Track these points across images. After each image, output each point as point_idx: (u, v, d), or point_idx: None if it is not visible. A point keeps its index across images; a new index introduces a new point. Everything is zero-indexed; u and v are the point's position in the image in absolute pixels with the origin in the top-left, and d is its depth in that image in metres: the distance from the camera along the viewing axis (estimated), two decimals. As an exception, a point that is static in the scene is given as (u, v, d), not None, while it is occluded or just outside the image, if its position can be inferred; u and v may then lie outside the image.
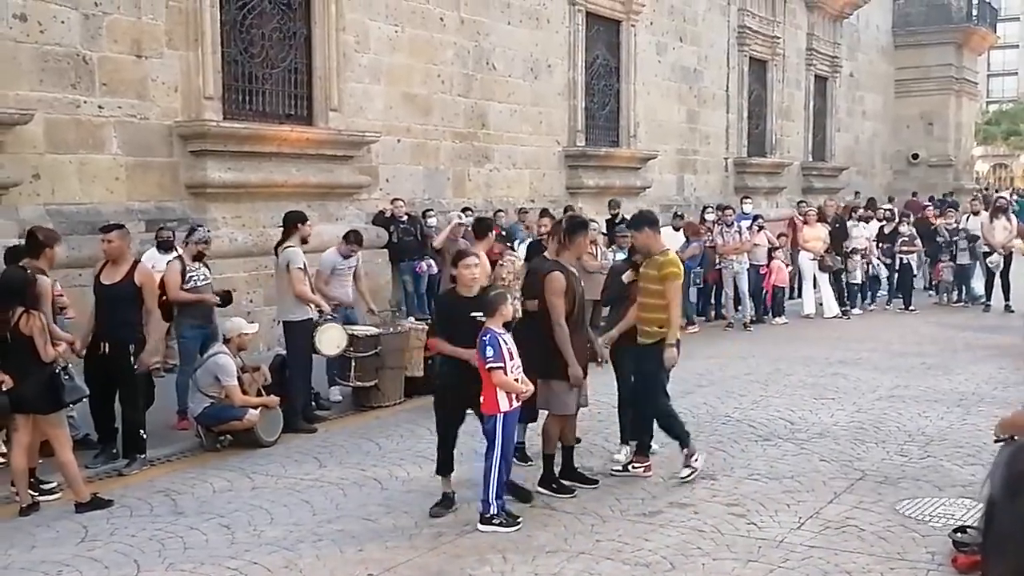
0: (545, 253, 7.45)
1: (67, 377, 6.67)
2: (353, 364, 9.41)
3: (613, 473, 7.23)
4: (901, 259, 16.96)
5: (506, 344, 6.18)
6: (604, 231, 13.28)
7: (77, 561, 5.68)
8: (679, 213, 16.12)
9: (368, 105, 13.38)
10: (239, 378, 8.25)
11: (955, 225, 17.26)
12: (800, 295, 16.63)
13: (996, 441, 4.80)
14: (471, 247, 9.32)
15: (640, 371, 7.29)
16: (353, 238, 9.97)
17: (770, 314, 15.52)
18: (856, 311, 16.37)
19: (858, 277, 16.54)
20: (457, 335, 6.36)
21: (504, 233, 11.77)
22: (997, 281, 16.15)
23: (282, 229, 9.27)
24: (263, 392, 8.54)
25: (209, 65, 11.02)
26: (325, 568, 5.54)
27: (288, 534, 6.06)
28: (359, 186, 13.23)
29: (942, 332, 14.19)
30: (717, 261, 14.95)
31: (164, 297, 8.17)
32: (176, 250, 9.36)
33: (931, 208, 19.77)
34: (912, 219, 18.16)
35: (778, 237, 16.00)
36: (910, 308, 16.58)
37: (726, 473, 7.24)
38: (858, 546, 5.75)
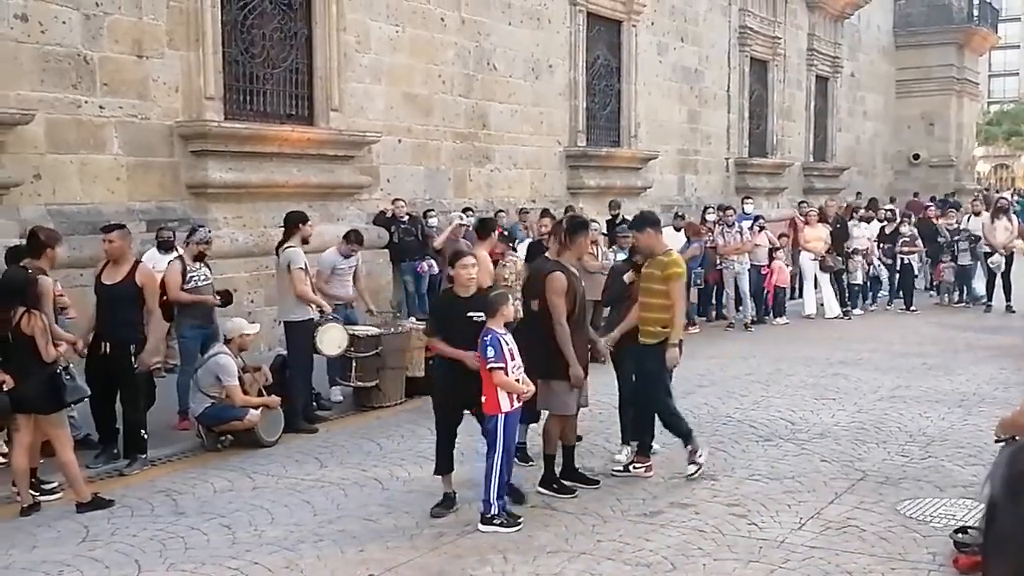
0: (547, 253, 7.45)
1: (68, 377, 6.67)
2: (354, 364, 9.41)
3: (614, 473, 7.23)
4: (902, 259, 16.96)
5: (507, 344, 6.18)
6: (604, 231, 13.27)
7: (78, 561, 5.68)
8: (680, 213, 16.13)
9: (369, 105, 13.38)
10: (240, 378, 8.26)
11: (956, 225, 17.26)
12: (801, 295, 16.63)
13: (997, 441, 4.80)
14: (474, 247, 9.34)
15: (643, 371, 7.28)
16: (354, 238, 9.97)
17: (771, 314, 15.52)
18: (857, 311, 16.36)
19: (859, 277, 16.53)
20: (454, 335, 6.35)
21: (506, 233, 11.78)
22: (998, 281, 16.15)
23: (283, 229, 9.27)
24: (264, 392, 8.54)
25: (210, 65, 11.02)
26: (326, 568, 5.54)
27: (289, 534, 6.06)
28: (360, 186, 13.24)
29: (943, 333, 14.19)
30: (718, 261, 14.95)
31: (164, 297, 8.17)
32: (176, 250, 9.36)
33: (933, 208, 19.75)
34: (914, 219, 18.16)
35: (779, 237, 16.00)
36: (911, 308, 16.57)
37: (727, 473, 7.24)
38: (859, 546, 5.75)
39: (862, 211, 18.43)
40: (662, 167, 20.17)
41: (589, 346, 7.31)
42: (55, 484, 6.93)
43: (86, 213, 10.00)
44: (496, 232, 9.74)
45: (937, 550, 5.64)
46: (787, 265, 15.99)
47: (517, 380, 6.22)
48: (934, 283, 18.02)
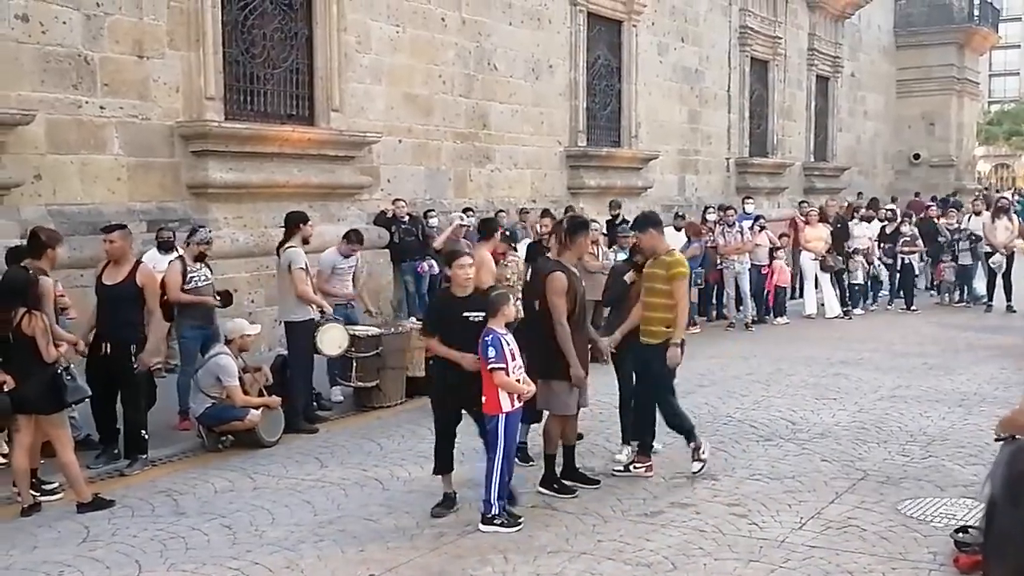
0: (549, 254, 7.46)
1: (69, 377, 6.67)
2: (354, 364, 9.41)
3: (615, 473, 7.23)
4: (903, 259, 16.96)
5: (508, 345, 6.18)
6: (604, 231, 13.27)
7: (79, 561, 5.68)
8: (680, 213, 16.13)
9: (369, 105, 13.38)
10: (240, 378, 8.26)
11: (956, 225, 17.25)
12: (801, 295, 16.63)
13: (997, 439, 4.81)
14: (476, 247, 9.34)
15: (648, 371, 7.27)
16: (354, 237, 9.97)
17: (771, 314, 15.52)
18: (858, 311, 16.36)
19: (860, 277, 16.53)
20: (450, 335, 6.34)
21: (508, 234, 11.79)
22: (999, 281, 16.15)
23: (284, 229, 9.27)
24: (265, 392, 8.54)
25: (211, 65, 11.03)
26: (326, 568, 5.54)
27: (290, 534, 6.06)
28: (360, 186, 13.24)
29: (944, 332, 14.19)
30: (718, 261, 14.95)
31: (164, 297, 8.17)
32: (176, 250, 9.37)
33: (934, 208, 19.74)
34: (915, 219, 18.16)
35: (780, 237, 16.00)
36: (912, 308, 16.57)
37: (727, 473, 7.24)
38: (860, 546, 5.75)
39: (863, 211, 18.43)
40: (663, 167, 20.17)
41: (590, 346, 7.31)
42: (56, 484, 6.94)
43: (87, 213, 10.00)
44: (499, 232, 9.74)
45: (938, 550, 5.64)
46: (787, 265, 15.99)
47: (518, 380, 6.22)
48: (935, 283, 18.02)
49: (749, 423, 8.80)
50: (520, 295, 7.60)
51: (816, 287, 16.31)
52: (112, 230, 7.68)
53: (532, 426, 7.28)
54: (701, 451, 7.20)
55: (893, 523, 6.12)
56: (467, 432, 6.68)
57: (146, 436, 7.63)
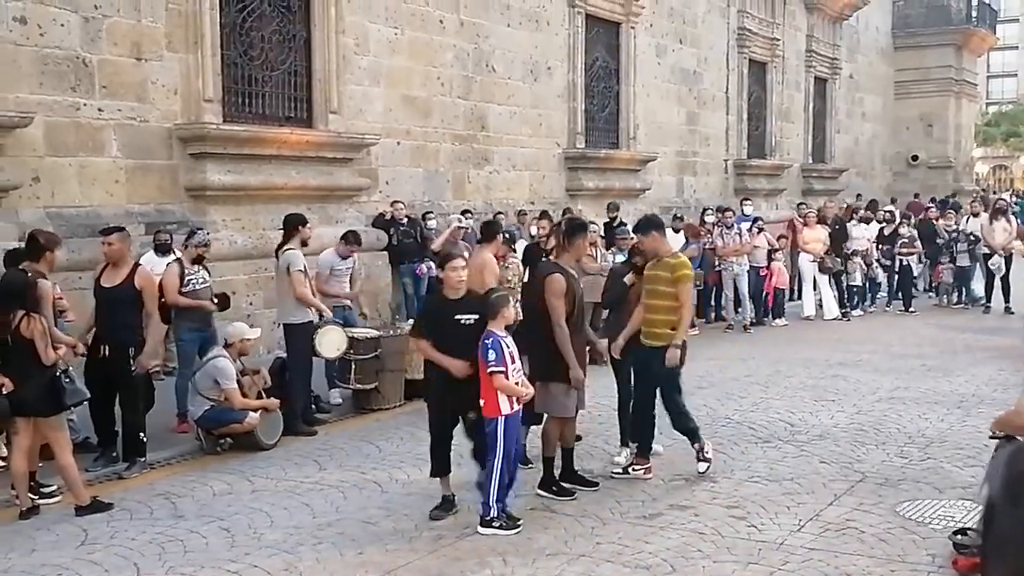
0: (551, 256, 7.46)
1: (68, 380, 6.67)
2: (353, 367, 9.41)
3: (613, 475, 7.23)
4: (901, 261, 16.96)
5: (508, 348, 6.17)
6: (602, 234, 13.27)
7: (77, 564, 5.68)
8: (679, 215, 16.13)
9: (368, 107, 13.39)
10: (239, 381, 8.25)
11: (954, 226, 17.26)
12: (800, 297, 16.63)
13: (992, 438, 4.83)
14: (480, 249, 9.34)
15: (650, 373, 7.27)
16: (352, 238, 9.97)
17: (770, 316, 15.52)
18: (856, 313, 16.37)
19: (858, 279, 16.54)
20: (442, 338, 6.33)
21: (508, 235, 11.80)
22: (997, 283, 16.16)
23: (282, 232, 9.26)
24: (263, 395, 8.54)
25: (209, 68, 11.03)
26: (325, 571, 5.53)
27: (288, 537, 6.06)
28: (359, 188, 13.24)
29: (942, 334, 14.20)
30: (717, 263, 14.95)
31: (162, 300, 8.16)
32: (174, 253, 9.37)
33: (933, 209, 19.76)
34: (914, 221, 18.16)
35: (778, 239, 16.00)
36: (910, 310, 16.58)
37: (726, 475, 7.24)
38: (858, 548, 5.75)
39: (861, 212, 18.44)
40: (661, 169, 20.17)
41: (588, 348, 7.31)
42: (54, 487, 6.93)
43: (85, 216, 10.00)
44: (501, 235, 9.75)
45: (936, 552, 5.64)
46: (786, 267, 15.99)
47: (517, 383, 6.21)
48: (933, 284, 18.03)
49: (748, 425, 8.80)
50: (520, 297, 7.60)
51: (814, 289, 16.32)
52: (110, 232, 7.67)
53: (531, 428, 7.28)
54: (705, 451, 7.23)
55: (892, 525, 6.12)
56: (466, 434, 6.67)
57: (144, 439, 7.63)
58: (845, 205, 21.22)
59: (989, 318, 15.84)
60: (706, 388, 10.33)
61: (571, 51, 17.33)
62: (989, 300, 16.41)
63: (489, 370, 6.08)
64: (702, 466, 7.20)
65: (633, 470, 7.23)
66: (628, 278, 7.72)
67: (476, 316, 6.29)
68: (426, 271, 13.07)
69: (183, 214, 10.96)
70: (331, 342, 9.07)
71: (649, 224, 7.39)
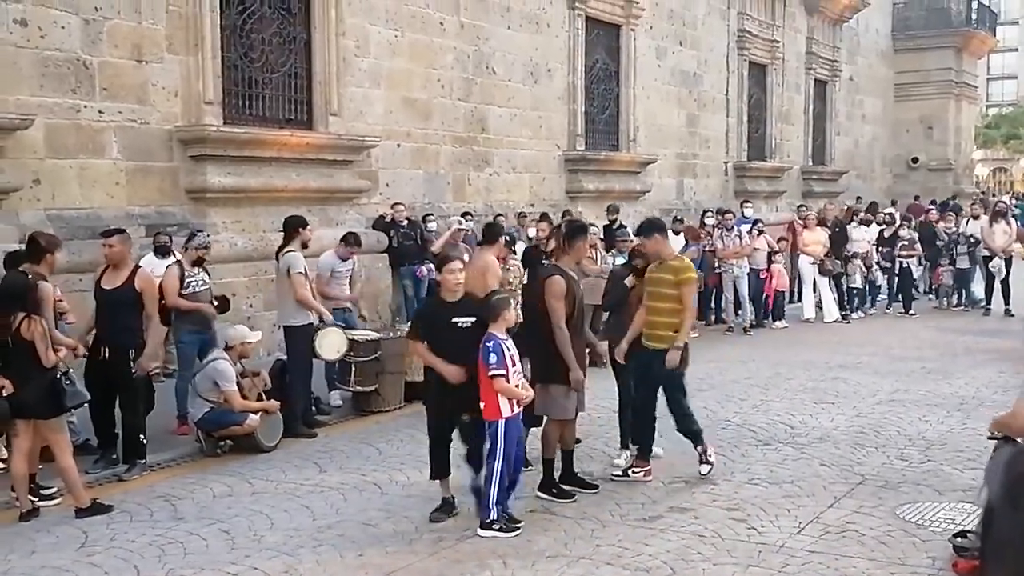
0: (552, 258, 7.46)
1: (68, 382, 6.68)
2: (353, 369, 9.41)
3: (613, 478, 7.23)
4: (901, 263, 16.96)
5: (508, 351, 6.17)
6: (602, 236, 13.27)
7: (77, 567, 5.68)
8: (679, 217, 16.13)
9: (368, 109, 13.39)
10: (239, 383, 8.25)
11: (954, 229, 17.26)
12: (800, 299, 16.63)
13: (990, 438, 4.84)
14: (482, 251, 9.34)
15: (650, 375, 7.27)
16: (352, 240, 9.97)
17: (770, 318, 15.52)
18: (856, 315, 16.37)
19: (858, 281, 16.54)
20: (439, 341, 6.32)
21: (508, 238, 11.80)
22: (997, 285, 16.16)
23: (283, 234, 9.27)
24: (263, 397, 8.54)
25: (209, 70, 11.03)
26: (325, 573, 5.53)
27: (288, 539, 6.06)
28: (359, 190, 13.24)
29: (942, 336, 14.20)
30: (717, 265, 14.95)
31: (162, 302, 8.16)
32: (174, 255, 9.37)
33: (933, 211, 19.77)
34: (914, 223, 18.16)
35: (778, 241, 16.00)
36: (910, 312, 16.58)
37: (726, 477, 7.24)
38: (858, 551, 5.75)
39: (862, 214, 18.43)
40: (661, 171, 20.18)
41: (588, 350, 7.31)
42: (54, 489, 6.93)
43: (85, 218, 10.00)
44: (503, 237, 9.75)
45: (936, 554, 5.64)
46: (786, 269, 15.99)
47: (517, 386, 6.22)
48: (933, 287, 18.03)
49: (748, 427, 8.80)
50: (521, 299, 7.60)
51: (814, 291, 16.32)
52: (111, 234, 7.67)
53: (531, 430, 7.27)
54: (708, 455, 7.24)
55: (892, 528, 6.12)
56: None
57: (144, 441, 7.63)
58: (845, 207, 21.22)
59: (989, 320, 15.84)
60: (706, 390, 10.32)
61: (571, 53, 17.34)
62: (989, 302, 16.42)
63: (490, 373, 6.08)
64: (704, 468, 7.22)
65: (633, 472, 7.23)
66: (629, 280, 7.73)
67: (473, 319, 6.29)
68: (426, 273, 13.07)
69: (183, 216, 10.96)
70: (331, 344, 9.07)
71: (651, 227, 7.39)
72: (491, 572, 5.52)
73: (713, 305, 15.58)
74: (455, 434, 6.50)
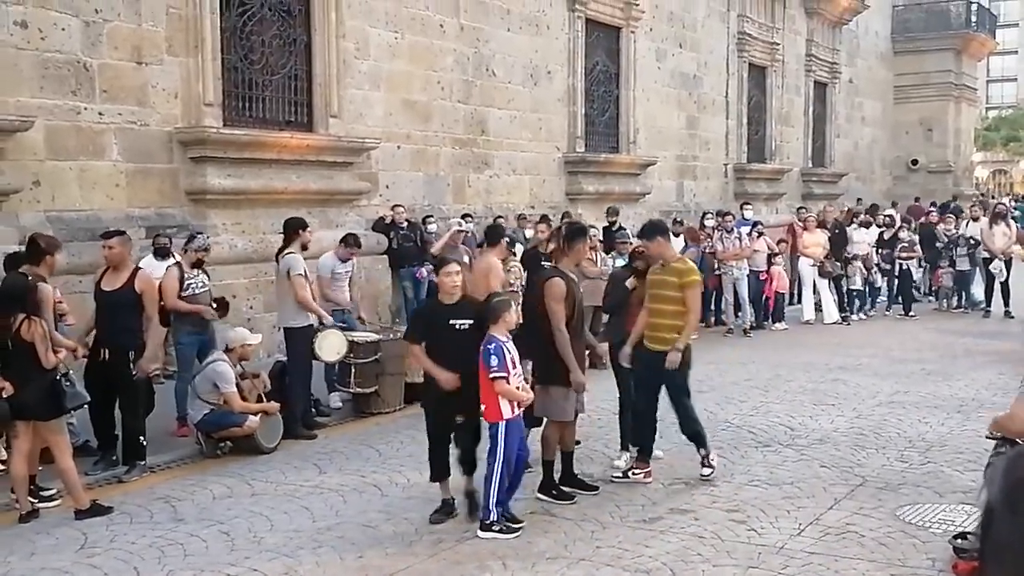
0: (552, 260, 7.47)
1: (68, 383, 6.68)
2: (353, 370, 9.41)
3: (613, 479, 7.23)
4: (901, 265, 16.96)
5: (509, 353, 6.18)
6: (601, 238, 13.27)
7: (77, 568, 5.68)
8: (679, 219, 16.13)
9: (368, 112, 13.40)
10: (238, 385, 8.25)
11: (954, 231, 17.26)
12: (800, 301, 16.63)
13: (988, 438, 4.85)
14: (485, 253, 9.35)
15: (653, 377, 7.27)
16: (351, 241, 9.98)
17: (770, 320, 15.52)
18: (856, 317, 16.37)
19: (858, 283, 16.54)
20: (437, 342, 6.33)
21: (509, 239, 11.80)
22: (997, 287, 16.16)
23: (283, 236, 9.27)
24: (263, 398, 8.54)
25: (209, 72, 11.04)
26: (325, 574, 5.53)
27: (288, 541, 6.06)
28: (359, 192, 13.25)
29: (942, 338, 14.20)
30: (717, 267, 14.95)
31: (161, 303, 8.16)
32: (173, 256, 9.37)
33: (934, 213, 19.78)
34: (914, 225, 18.15)
35: (778, 243, 16.01)
36: (910, 314, 16.58)
37: (726, 479, 7.24)
38: (858, 552, 5.75)
39: (862, 216, 18.44)
40: (661, 173, 20.19)
41: (588, 352, 7.31)
42: (54, 491, 6.92)
43: (85, 220, 10.00)
44: (505, 238, 9.76)
45: (936, 556, 5.64)
46: (786, 271, 15.99)
47: (517, 388, 6.22)
48: (933, 289, 18.03)
49: (748, 429, 8.80)
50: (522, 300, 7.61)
51: (814, 293, 16.32)
52: (111, 236, 7.67)
53: (531, 431, 7.27)
54: (711, 458, 7.25)
55: (892, 529, 6.12)
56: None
57: (144, 442, 7.62)
58: (845, 209, 21.22)
59: (989, 322, 15.84)
60: (706, 392, 10.32)
61: (571, 55, 17.35)
62: (989, 304, 16.42)
63: (491, 375, 6.08)
64: (705, 471, 7.22)
65: (633, 474, 7.23)
66: (630, 282, 7.73)
67: (471, 321, 6.29)
68: (426, 275, 13.07)
69: (183, 218, 10.96)
70: (331, 346, 9.08)
71: (654, 229, 7.39)
72: (491, 574, 5.52)
73: (713, 307, 15.58)
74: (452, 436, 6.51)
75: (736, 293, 15.02)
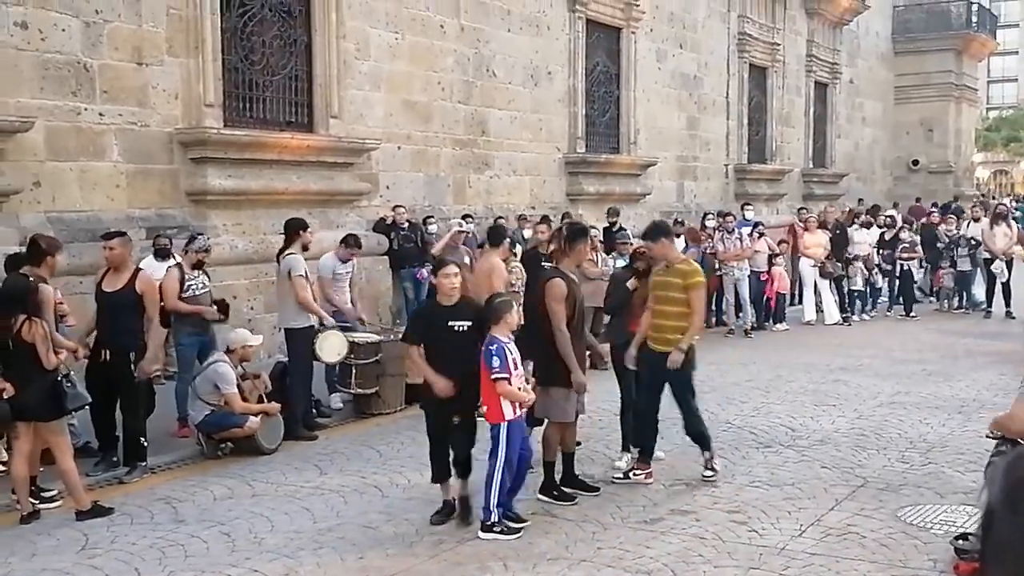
0: (552, 261, 7.47)
1: (69, 384, 6.67)
2: (354, 371, 9.41)
3: (614, 480, 7.23)
4: (902, 265, 16.96)
5: (511, 354, 6.17)
6: (601, 239, 13.27)
7: (78, 569, 5.68)
8: (679, 220, 16.13)
9: (368, 112, 13.40)
10: (239, 385, 8.25)
11: (955, 231, 17.26)
12: (801, 302, 16.63)
13: (989, 438, 4.85)
14: (487, 254, 9.35)
15: (657, 378, 7.27)
16: (352, 241, 9.98)
17: (771, 321, 15.52)
18: (857, 318, 16.36)
19: (859, 284, 16.53)
20: (435, 345, 6.32)
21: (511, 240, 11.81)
22: (998, 287, 16.15)
23: (283, 236, 9.27)
24: (264, 399, 8.54)
25: (210, 72, 11.03)
26: (326, 575, 5.54)
27: (289, 541, 6.06)
28: (359, 193, 13.24)
29: (943, 339, 14.19)
30: (717, 267, 14.95)
31: (161, 304, 8.16)
32: (173, 257, 9.37)
33: (935, 214, 19.77)
34: (916, 225, 18.14)
35: (779, 244, 16.01)
36: (911, 314, 16.57)
37: (727, 480, 7.23)
38: (860, 553, 5.74)
39: (863, 217, 18.44)
40: (661, 173, 20.18)
41: (588, 352, 7.30)
42: (55, 492, 6.92)
43: (86, 220, 10.00)
44: (508, 239, 9.76)
45: (938, 557, 5.63)
46: (787, 271, 15.99)
47: (519, 388, 6.22)
48: (934, 289, 18.02)
49: (749, 430, 8.80)
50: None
51: (815, 293, 16.32)
52: (112, 237, 7.68)
53: (532, 430, 7.27)
54: (714, 462, 7.26)
55: (893, 530, 6.12)
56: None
57: (145, 443, 7.62)
58: (847, 210, 21.20)
59: (990, 323, 15.83)
60: (707, 393, 10.29)
61: (571, 56, 17.34)
62: (990, 305, 16.41)
63: (493, 376, 6.07)
64: (707, 473, 7.22)
65: (634, 475, 7.23)
66: (631, 283, 7.73)
67: (470, 323, 6.28)
68: (426, 275, 13.06)
69: (184, 219, 10.96)
70: (332, 347, 9.08)
71: (658, 231, 7.39)
72: (492, 575, 5.52)
73: (714, 307, 15.58)
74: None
75: (737, 294, 15.02)
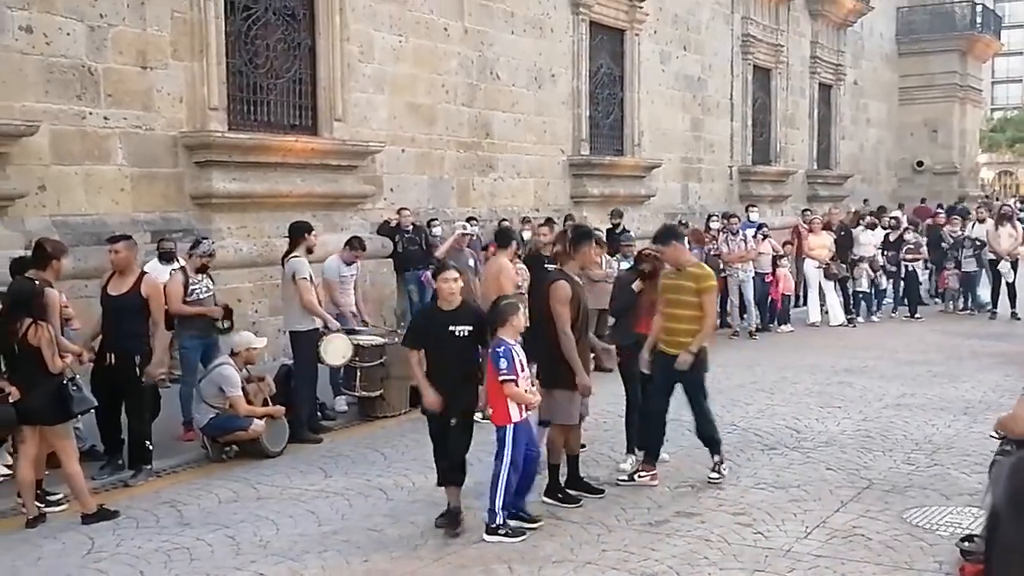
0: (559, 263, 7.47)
1: (74, 388, 6.68)
2: (358, 374, 9.42)
3: (619, 483, 7.22)
4: (906, 267, 16.93)
5: (518, 356, 6.17)
6: (605, 241, 13.24)
7: (83, 572, 5.69)
8: (684, 221, 16.11)
9: (372, 115, 13.41)
10: (244, 388, 8.25)
11: (960, 232, 17.23)
12: (805, 303, 16.61)
13: (993, 438, 4.85)
14: (496, 256, 9.35)
15: (680, 380, 7.28)
16: (356, 244, 10.00)
17: (775, 322, 15.50)
18: (861, 319, 16.34)
19: (864, 285, 16.51)
20: (436, 349, 6.32)
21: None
22: (1003, 288, 16.13)
23: (288, 239, 9.28)
24: (268, 402, 8.54)
25: (214, 76, 11.05)
26: (331, 579, 5.53)
27: (293, 544, 6.06)
28: (364, 196, 13.26)
29: (948, 340, 14.17)
30: (722, 269, 14.94)
31: (165, 307, 8.16)
32: (178, 261, 9.38)
33: (941, 215, 19.72)
34: (921, 226, 18.11)
35: (783, 245, 15.99)
36: (916, 316, 16.55)
37: (732, 482, 7.22)
38: (865, 555, 5.73)
39: (868, 218, 18.42)
40: (665, 175, 20.18)
41: (592, 355, 7.30)
42: (60, 496, 6.94)
43: (91, 224, 10.02)
44: (515, 241, 9.76)
45: (943, 558, 5.62)
46: (791, 273, 15.97)
47: (525, 391, 6.22)
48: (939, 290, 17.99)
49: (753, 432, 8.79)
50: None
51: (820, 295, 16.30)
52: (117, 241, 7.69)
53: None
54: (722, 467, 7.25)
55: (899, 532, 6.11)
56: (473, 441, 6.65)
57: (150, 447, 7.64)
58: (851, 211, 21.17)
59: (995, 324, 15.81)
60: (712, 395, 10.27)
61: (575, 58, 17.35)
62: (995, 306, 16.39)
63: (500, 378, 6.07)
64: (714, 475, 7.21)
65: (639, 477, 7.23)
66: (636, 285, 7.72)
67: (470, 328, 6.26)
68: (431, 278, 13.06)
69: (188, 222, 10.98)
70: (336, 349, 9.08)
71: (669, 234, 7.40)
72: (497, 577, 5.52)
73: (719, 309, 15.55)
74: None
75: (741, 295, 15.00)
